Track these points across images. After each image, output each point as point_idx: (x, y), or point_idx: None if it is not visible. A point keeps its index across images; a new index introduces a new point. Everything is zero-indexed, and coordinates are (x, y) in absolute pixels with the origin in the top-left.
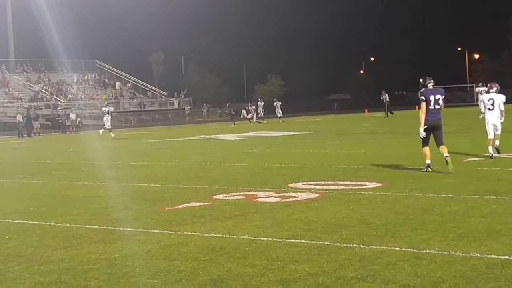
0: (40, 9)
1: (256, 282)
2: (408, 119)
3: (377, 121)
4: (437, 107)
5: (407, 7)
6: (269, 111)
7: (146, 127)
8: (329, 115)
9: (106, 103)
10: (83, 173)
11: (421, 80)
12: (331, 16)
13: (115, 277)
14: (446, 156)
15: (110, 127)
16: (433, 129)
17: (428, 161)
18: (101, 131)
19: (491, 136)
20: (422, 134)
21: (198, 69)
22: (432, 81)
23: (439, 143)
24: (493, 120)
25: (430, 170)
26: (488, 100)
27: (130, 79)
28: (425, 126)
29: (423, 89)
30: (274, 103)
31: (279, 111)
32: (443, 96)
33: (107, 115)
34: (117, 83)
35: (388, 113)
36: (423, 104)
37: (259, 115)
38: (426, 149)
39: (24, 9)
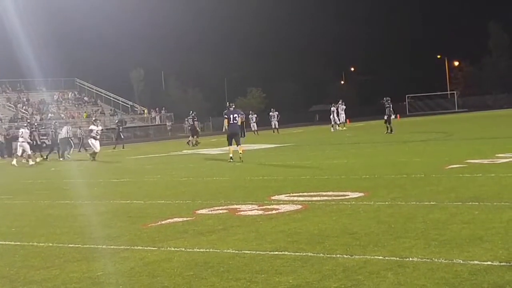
0: (18, 29)
1: None
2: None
3: (359, 131)
4: (235, 121)
5: (386, 15)
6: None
7: (128, 143)
8: (311, 126)
9: (273, 108)
10: (65, 192)
11: (227, 103)
12: (310, 28)
13: None
14: (240, 153)
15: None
16: (233, 136)
17: (231, 155)
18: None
19: None
20: (224, 128)
21: (178, 85)
22: (233, 105)
23: (238, 144)
24: None
25: (232, 160)
26: None
27: (110, 96)
28: (228, 133)
29: (226, 110)
30: (332, 107)
31: (335, 117)
32: (240, 115)
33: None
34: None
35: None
36: (226, 120)
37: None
38: (230, 147)
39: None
